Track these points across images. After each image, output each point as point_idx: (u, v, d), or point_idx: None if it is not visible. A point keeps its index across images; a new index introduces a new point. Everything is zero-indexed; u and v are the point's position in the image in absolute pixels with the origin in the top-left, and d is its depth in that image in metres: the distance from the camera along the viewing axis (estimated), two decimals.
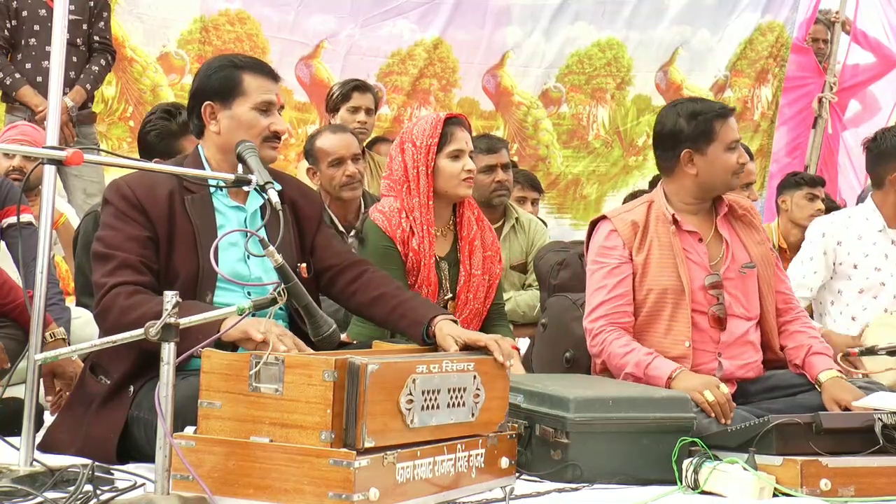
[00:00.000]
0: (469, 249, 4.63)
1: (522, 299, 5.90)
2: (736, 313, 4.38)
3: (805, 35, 9.83)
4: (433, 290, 4.52)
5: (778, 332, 4.49)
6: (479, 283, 4.64)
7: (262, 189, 3.57)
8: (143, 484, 3.20)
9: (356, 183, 5.71)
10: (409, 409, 3.13)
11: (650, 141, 9.33)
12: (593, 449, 3.68)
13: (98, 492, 3.04)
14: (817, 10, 9.87)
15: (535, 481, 3.65)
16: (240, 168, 3.68)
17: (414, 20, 8.74)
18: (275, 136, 3.81)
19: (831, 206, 7.25)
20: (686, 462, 3.63)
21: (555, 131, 9.24)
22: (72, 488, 3.05)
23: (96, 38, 7.10)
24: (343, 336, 4.19)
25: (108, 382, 3.68)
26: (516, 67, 9.08)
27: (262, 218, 3.79)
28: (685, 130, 4.36)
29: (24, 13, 6.91)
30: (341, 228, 5.54)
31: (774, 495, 3.51)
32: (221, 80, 3.81)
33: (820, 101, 9.74)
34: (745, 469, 3.50)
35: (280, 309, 3.41)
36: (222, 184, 3.71)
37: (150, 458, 3.04)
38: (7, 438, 3.54)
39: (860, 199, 7.28)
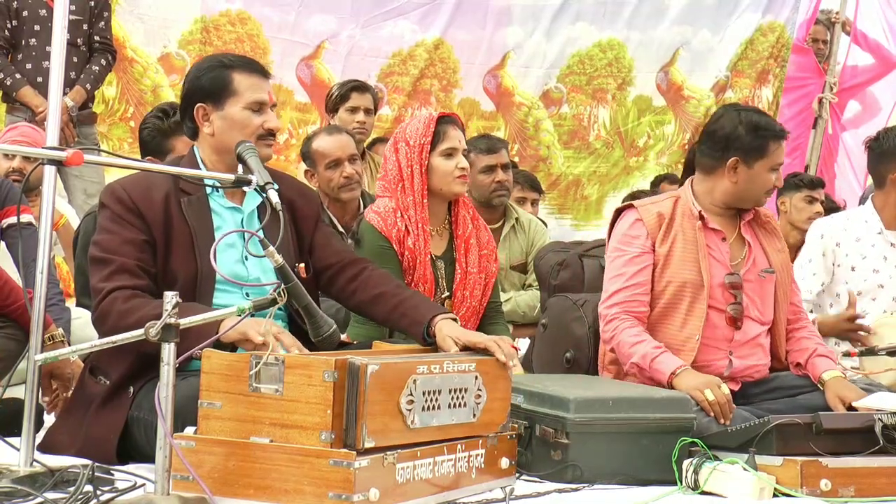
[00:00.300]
0: (465, 247, 4.64)
1: (522, 299, 5.90)
2: (751, 315, 4.40)
3: (805, 36, 9.83)
4: (429, 288, 4.52)
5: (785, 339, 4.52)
6: (476, 280, 4.65)
7: (261, 189, 3.56)
8: (144, 484, 3.20)
9: (354, 184, 5.71)
10: (410, 410, 3.13)
11: (651, 141, 9.48)
12: (593, 449, 3.69)
13: (98, 492, 3.04)
14: (818, 11, 9.86)
15: (536, 482, 3.65)
16: (240, 168, 3.69)
17: (415, 20, 8.74)
18: (269, 134, 3.81)
19: (831, 207, 7.25)
20: (686, 462, 3.63)
21: (556, 132, 9.24)
22: (72, 489, 3.05)
23: (97, 38, 7.10)
24: (343, 336, 4.19)
25: (108, 383, 3.67)
26: (517, 68, 9.09)
27: (260, 218, 3.79)
28: (742, 138, 4.37)
29: (25, 13, 6.91)
30: (340, 229, 5.54)
31: (774, 496, 3.51)
32: (211, 80, 3.79)
33: (820, 101, 9.73)
34: (745, 469, 3.50)
35: (279, 309, 3.41)
36: (218, 184, 3.70)
37: (150, 459, 3.04)
38: (7, 439, 3.54)
39: (862, 200, 7.27)
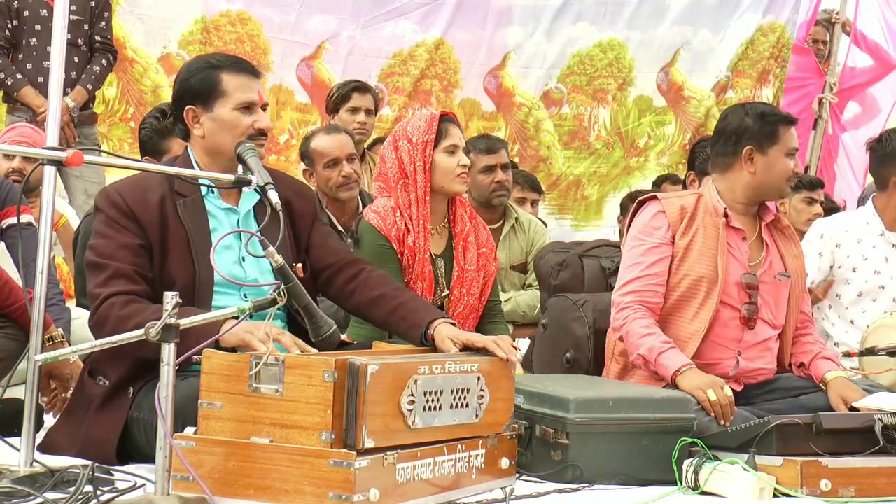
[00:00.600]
0: (463, 245, 4.65)
1: (522, 299, 5.89)
2: (764, 318, 4.41)
3: (806, 36, 9.83)
4: (428, 286, 4.53)
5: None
6: (474, 278, 4.65)
7: (262, 190, 3.56)
8: (144, 484, 3.20)
9: (353, 183, 5.70)
10: (411, 410, 3.13)
11: (651, 142, 9.48)
12: (593, 449, 3.69)
13: (98, 492, 3.04)
14: (818, 12, 9.86)
15: (536, 482, 3.65)
16: (240, 168, 3.68)
17: (415, 21, 8.74)
18: (260, 134, 3.77)
19: (831, 208, 7.25)
20: (686, 462, 3.64)
21: (556, 132, 9.24)
22: (72, 489, 3.05)
23: (97, 38, 7.10)
24: (343, 336, 4.19)
25: (108, 384, 3.67)
26: (518, 68, 9.08)
27: (256, 218, 3.79)
28: (751, 128, 4.41)
29: (26, 13, 6.91)
30: (340, 228, 5.54)
31: (774, 496, 3.52)
32: (200, 82, 3.77)
33: (820, 101, 9.73)
34: (745, 469, 3.51)
35: (278, 310, 3.40)
36: (212, 184, 3.69)
37: (150, 459, 3.04)
38: (7, 439, 3.54)
39: (861, 201, 7.27)
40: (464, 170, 4.60)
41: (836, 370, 4.38)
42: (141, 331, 2.99)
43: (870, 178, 5.97)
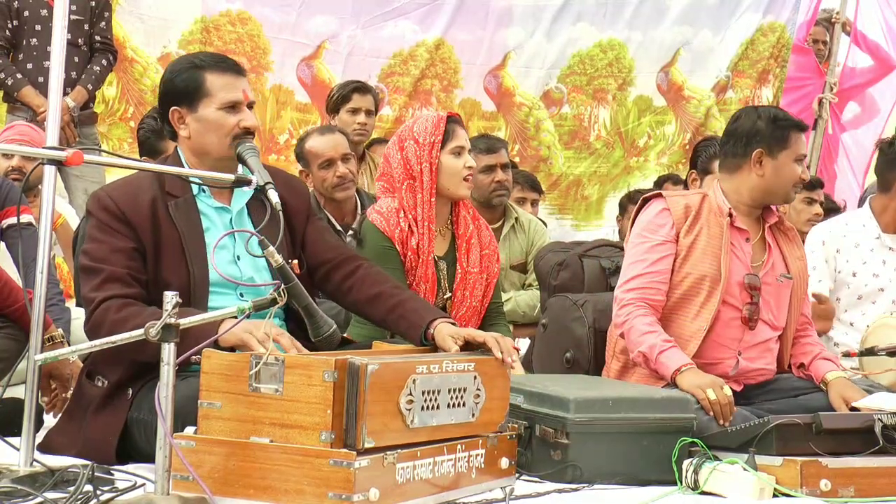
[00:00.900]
0: (466, 247, 4.65)
1: (522, 299, 5.90)
2: (764, 318, 4.41)
3: (806, 36, 9.83)
4: (431, 288, 4.52)
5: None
6: (476, 280, 4.65)
7: (262, 190, 3.56)
8: (143, 484, 3.20)
9: (348, 183, 5.70)
10: (410, 410, 3.13)
11: (651, 142, 9.48)
12: (593, 449, 3.69)
13: (98, 492, 3.04)
14: (818, 12, 9.86)
15: (535, 482, 3.65)
16: (239, 168, 3.68)
17: (416, 21, 8.74)
18: (246, 133, 3.73)
19: (830, 208, 7.24)
20: (686, 462, 3.64)
21: (556, 132, 9.23)
22: (72, 488, 3.04)
23: (97, 38, 7.11)
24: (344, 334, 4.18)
25: (107, 384, 3.66)
26: (518, 68, 9.08)
27: (250, 215, 3.78)
28: (763, 131, 4.42)
29: (26, 13, 6.92)
30: (339, 228, 5.54)
31: (774, 496, 3.52)
32: (184, 82, 3.73)
33: (820, 102, 9.73)
34: (745, 469, 3.51)
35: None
36: (211, 183, 3.68)
37: (150, 459, 3.04)
38: (7, 439, 3.54)
39: (861, 201, 7.27)
40: (469, 172, 4.60)
41: (837, 371, 4.39)
42: (141, 331, 2.99)
43: (870, 179, 5.96)
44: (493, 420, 3.44)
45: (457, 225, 4.68)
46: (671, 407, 3.83)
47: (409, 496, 3.10)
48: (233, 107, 3.72)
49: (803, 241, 5.70)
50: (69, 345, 4.09)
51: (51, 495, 3.08)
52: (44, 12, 6.83)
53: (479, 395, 3.37)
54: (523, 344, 5.64)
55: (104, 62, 7.13)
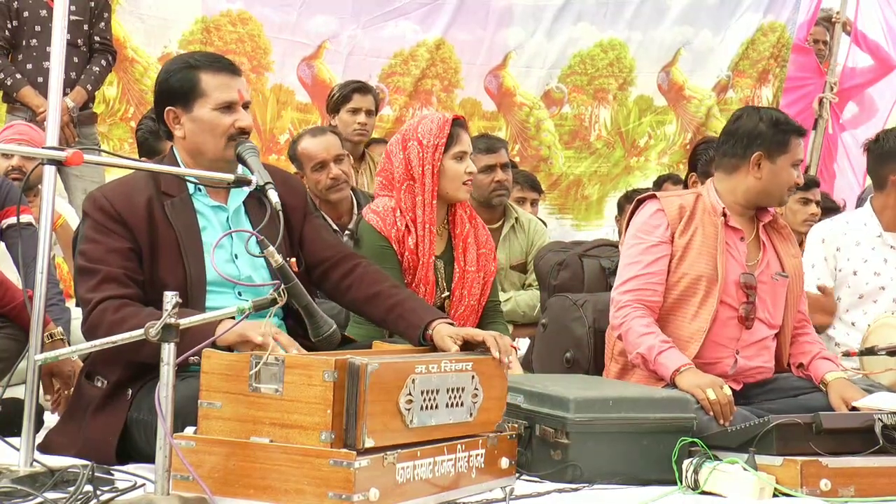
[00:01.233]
0: (463, 246, 4.65)
1: (522, 299, 5.90)
2: (761, 317, 4.41)
3: (806, 36, 9.83)
4: (430, 289, 4.52)
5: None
6: (474, 279, 4.65)
7: (261, 190, 3.56)
8: (143, 484, 3.20)
9: (342, 184, 5.68)
10: (409, 410, 3.13)
11: (652, 141, 9.47)
12: (593, 449, 3.69)
13: (98, 492, 3.04)
14: (818, 12, 9.86)
15: (536, 482, 3.65)
16: (240, 168, 3.68)
17: (416, 21, 8.74)
18: (241, 133, 3.72)
19: (830, 207, 7.24)
20: (686, 462, 3.64)
21: (557, 132, 9.23)
22: (72, 489, 3.04)
23: (97, 38, 7.11)
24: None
25: (106, 384, 3.66)
26: (518, 68, 9.08)
27: (246, 215, 3.78)
28: (764, 134, 4.42)
29: (26, 14, 6.92)
30: (335, 228, 5.53)
31: (774, 495, 3.51)
32: (179, 83, 3.72)
33: (820, 101, 9.73)
34: (745, 469, 3.51)
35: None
36: (197, 180, 3.68)
37: (150, 459, 3.04)
38: (7, 439, 3.54)
39: (860, 201, 7.27)
40: (469, 177, 4.60)
41: (836, 371, 4.39)
42: (141, 331, 2.99)
43: (870, 179, 5.96)
44: (490, 419, 3.44)
45: (453, 224, 4.69)
46: (671, 407, 3.83)
47: (409, 496, 3.10)
48: (228, 107, 3.71)
49: (801, 243, 5.72)
50: (69, 344, 4.10)
51: (51, 495, 3.08)
52: (43, 13, 6.83)
53: (476, 395, 3.37)
54: (523, 344, 5.64)
55: (103, 63, 7.13)
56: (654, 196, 4.51)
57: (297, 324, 3.64)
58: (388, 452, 3.04)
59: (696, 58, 9.51)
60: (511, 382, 3.62)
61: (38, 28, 6.88)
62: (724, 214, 4.40)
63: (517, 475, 3.59)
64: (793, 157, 4.44)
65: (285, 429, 3.03)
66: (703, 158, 7.04)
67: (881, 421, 3.68)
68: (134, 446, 3.57)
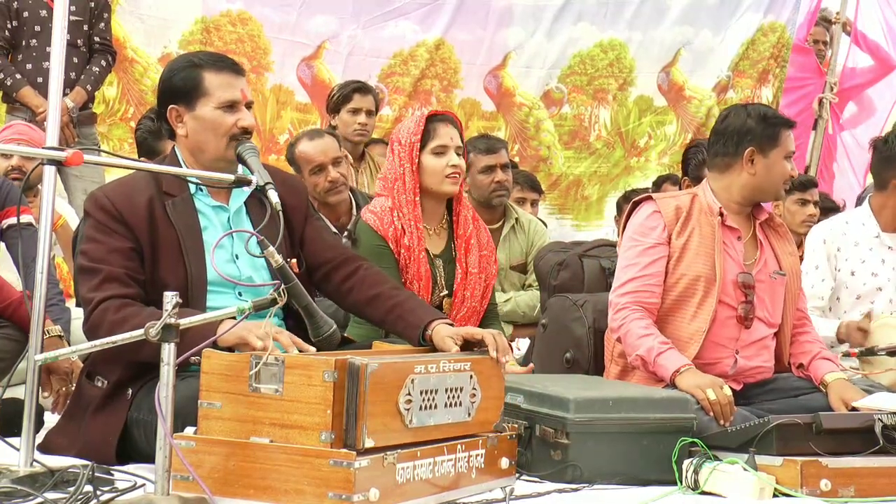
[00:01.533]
0: (465, 247, 4.65)
1: (522, 299, 5.90)
2: (760, 316, 4.41)
3: (806, 36, 9.83)
4: (426, 285, 4.53)
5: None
6: (476, 281, 4.66)
7: (262, 190, 3.56)
8: (144, 484, 3.20)
9: (340, 186, 5.69)
10: (408, 410, 3.13)
11: (652, 142, 9.47)
12: (593, 449, 3.68)
13: (98, 492, 3.04)
14: (818, 12, 9.86)
15: (535, 482, 3.65)
16: (240, 168, 3.68)
17: (416, 21, 8.74)
18: (243, 133, 3.72)
19: (829, 207, 7.24)
20: (686, 462, 3.63)
21: (556, 132, 9.24)
22: (72, 489, 3.04)
23: (97, 39, 7.11)
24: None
25: (106, 384, 3.66)
26: (518, 68, 9.09)
27: (248, 215, 3.78)
28: (754, 130, 4.42)
29: (25, 14, 6.92)
30: (334, 230, 5.53)
31: (774, 496, 3.51)
32: (182, 81, 3.73)
33: (820, 101, 9.73)
34: (745, 469, 3.50)
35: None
36: (196, 180, 3.68)
37: (150, 459, 3.04)
38: (7, 439, 3.54)
39: (860, 200, 7.27)
40: (454, 170, 4.58)
41: (836, 371, 4.38)
42: (141, 331, 2.99)
43: (870, 178, 5.95)
44: (488, 419, 3.44)
45: (456, 224, 4.68)
46: (671, 407, 3.83)
47: (409, 496, 3.10)
48: (231, 106, 3.72)
49: (800, 244, 5.72)
50: (69, 343, 4.10)
51: (51, 496, 3.08)
52: (43, 13, 6.83)
53: (475, 395, 3.37)
54: (523, 344, 5.63)
55: (103, 63, 7.13)
56: (649, 198, 4.51)
57: (297, 324, 3.64)
58: (388, 452, 3.04)
59: (697, 58, 9.51)
60: (511, 382, 3.62)
61: (37, 28, 6.88)
62: (721, 214, 4.40)
63: (517, 475, 3.59)
64: (785, 150, 4.44)
65: (285, 429, 3.03)
66: (692, 162, 7.05)
67: (881, 421, 3.68)
68: (134, 446, 3.57)
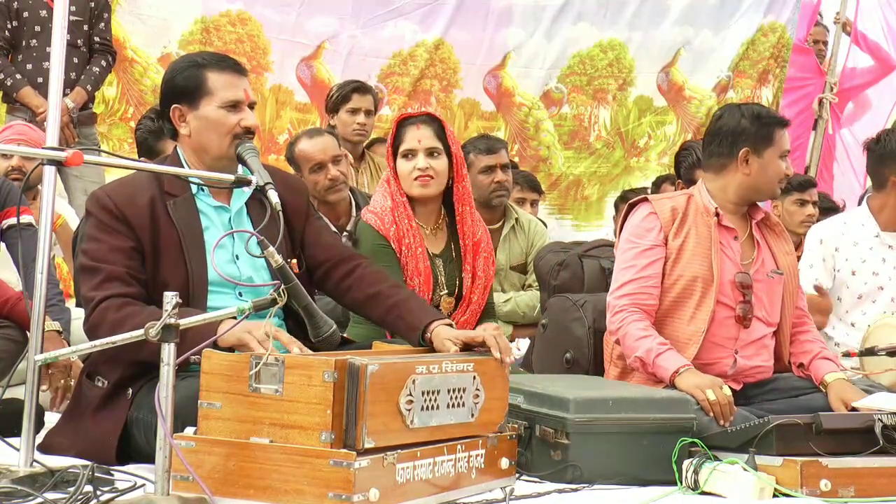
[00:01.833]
0: (474, 251, 4.66)
1: (522, 300, 5.90)
2: (758, 316, 4.41)
3: (806, 36, 9.83)
4: (426, 281, 4.52)
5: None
6: (481, 283, 4.67)
7: (261, 190, 3.56)
8: (143, 485, 3.20)
9: (340, 185, 5.69)
10: (409, 410, 3.13)
11: (652, 142, 9.48)
12: (593, 449, 3.68)
13: (98, 492, 3.04)
14: (818, 12, 9.87)
15: (535, 482, 3.65)
16: (240, 169, 3.68)
17: (415, 21, 8.74)
18: (246, 132, 3.74)
19: (829, 207, 7.24)
20: (686, 463, 3.63)
21: (556, 132, 9.24)
22: (72, 489, 3.04)
23: (97, 39, 7.11)
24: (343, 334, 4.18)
25: (106, 384, 3.66)
26: (518, 68, 9.08)
27: (249, 215, 3.78)
28: (748, 130, 4.42)
29: (26, 14, 6.92)
30: (334, 230, 5.53)
31: (774, 496, 3.51)
32: (185, 80, 3.74)
33: (820, 102, 9.73)
34: (745, 469, 3.50)
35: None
36: (210, 183, 3.68)
37: (150, 459, 3.04)
38: (7, 439, 3.54)
39: (861, 200, 7.27)
40: (420, 173, 4.56)
41: (836, 372, 4.37)
42: (141, 331, 2.99)
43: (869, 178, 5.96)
44: (492, 420, 3.44)
45: (461, 225, 4.68)
46: (671, 407, 3.83)
47: (409, 496, 3.10)
48: (234, 106, 3.73)
49: (798, 245, 5.72)
50: (69, 343, 4.10)
51: (51, 496, 3.08)
52: (43, 13, 6.83)
53: (478, 396, 3.37)
54: (523, 344, 5.63)
55: (103, 63, 7.14)
56: (645, 199, 4.51)
57: (297, 324, 3.64)
58: (388, 453, 3.04)
59: (696, 58, 9.51)
60: (511, 383, 3.62)
61: (38, 28, 6.88)
62: (717, 214, 4.40)
63: (517, 475, 3.59)
64: (779, 149, 4.44)
65: (285, 429, 3.03)
66: (684, 164, 7.04)
67: (881, 421, 3.68)
68: (134, 446, 3.57)
